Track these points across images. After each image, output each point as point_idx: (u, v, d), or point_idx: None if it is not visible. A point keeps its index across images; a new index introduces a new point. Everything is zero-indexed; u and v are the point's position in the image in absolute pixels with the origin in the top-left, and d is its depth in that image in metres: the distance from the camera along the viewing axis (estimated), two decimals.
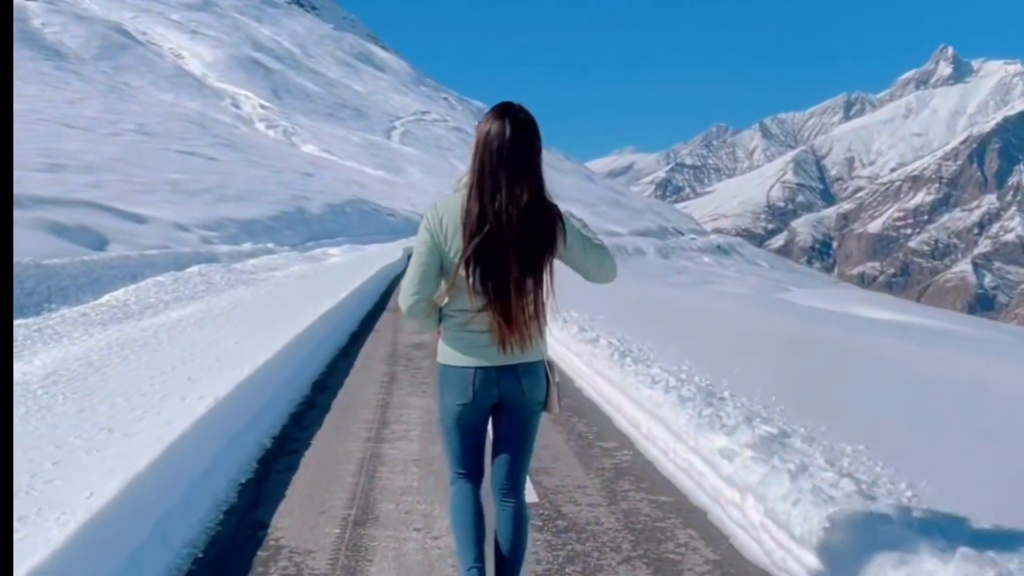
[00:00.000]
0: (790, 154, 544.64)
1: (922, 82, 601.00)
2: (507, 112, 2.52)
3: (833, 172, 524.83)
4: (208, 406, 4.52)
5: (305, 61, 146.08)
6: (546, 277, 2.56)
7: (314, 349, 7.90)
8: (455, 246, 2.48)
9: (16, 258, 10.27)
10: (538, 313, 2.57)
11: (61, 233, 14.35)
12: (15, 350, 6.82)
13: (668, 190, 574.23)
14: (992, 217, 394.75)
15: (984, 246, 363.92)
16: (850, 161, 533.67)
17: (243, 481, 4.29)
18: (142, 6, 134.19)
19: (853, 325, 14.28)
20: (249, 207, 29.18)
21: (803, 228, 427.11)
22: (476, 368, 2.56)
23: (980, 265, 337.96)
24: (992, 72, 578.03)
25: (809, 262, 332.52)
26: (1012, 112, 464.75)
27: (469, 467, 2.72)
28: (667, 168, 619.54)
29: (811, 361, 8.10)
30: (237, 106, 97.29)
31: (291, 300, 11.16)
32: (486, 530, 2.73)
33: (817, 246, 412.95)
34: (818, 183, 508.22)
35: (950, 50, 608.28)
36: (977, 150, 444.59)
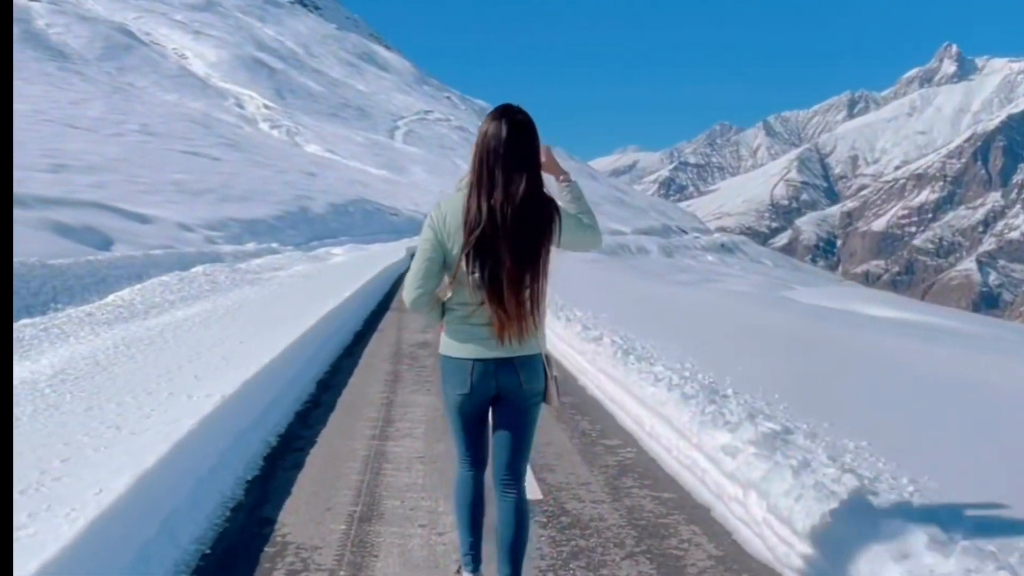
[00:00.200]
0: (794, 152, 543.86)
1: (926, 80, 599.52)
2: (505, 113, 2.62)
3: (837, 170, 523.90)
4: (215, 404, 4.55)
5: (308, 61, 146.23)
6: (543, 271, 2.64)
7: (318, 348, 7.94)
8: (457, 242, 2.59)
9: (22, 258, 10.32)
10: (535, 307, 2.64)
11: (66, 233, 14.41)
12: (22, 349, 6.86)
13: (672, 189, 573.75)
14: (997, 215, 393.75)
15: (989, 244, 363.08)
16: (854, 159, 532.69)
17: (249, 478, 4.32)
18: (145, 6, 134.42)
19: (856, 323, 14.28)
20: (253, 207, 29.25)
21: (807, 226, 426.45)
22: (474, 360, 2.67)
23: (985, 263, 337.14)
24: (996, 70, 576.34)
25: (813, 260, 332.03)
26: (1016, 110, 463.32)
27: (472, 455, 2.85)
28: (671, 167, 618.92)
29: (814, 359, 8.12)
30: (241, 106, 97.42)
31: (295, 300, 11.20)
32: (484, 516, 2.88)
33: (821, 244, 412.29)
34: (822, 181, 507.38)
35: (954, 48, 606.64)
36: (981, 148, 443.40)
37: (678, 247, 79.12)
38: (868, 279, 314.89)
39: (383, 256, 22.66)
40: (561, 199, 2.71)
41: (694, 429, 4.50)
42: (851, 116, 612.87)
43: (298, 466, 4.59)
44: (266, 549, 3.43)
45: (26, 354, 6.64)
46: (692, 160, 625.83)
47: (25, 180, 19.44)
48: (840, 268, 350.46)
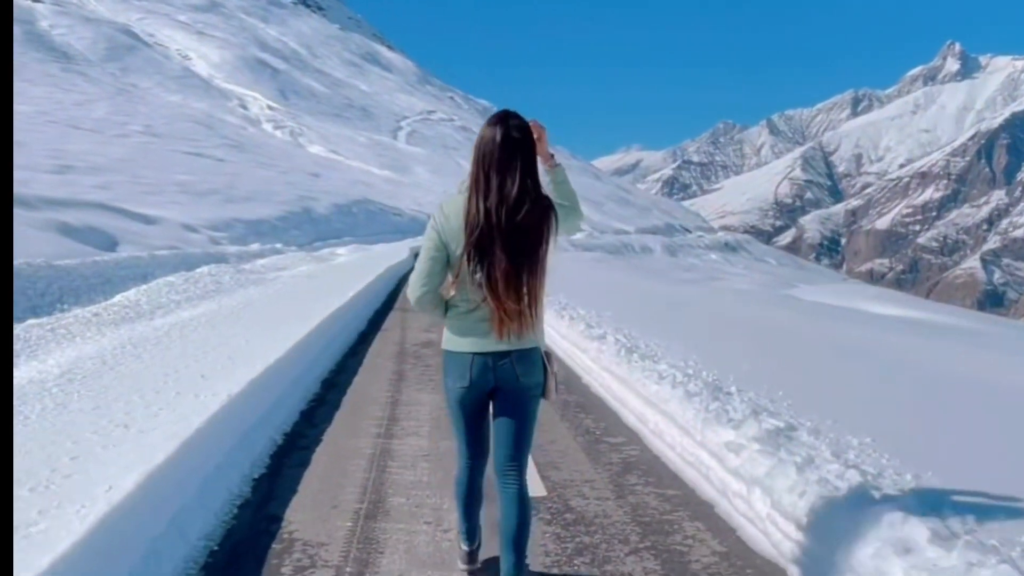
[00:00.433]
0: (798, 151, 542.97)
1: (930, 78, 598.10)
2: (502, 120, 2.74)
3: (841, 168, 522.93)
4: (221, 403, 4.58)
5: (311, 61, 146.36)
6: (541, 269, 2.75)
7: (323, 348, 7.96)
8: (459, 243, 2.71)
9: (28, 259, 10.37)
10: (532, 302, 2.74)
11: (71, 234, 14.47)
12: (30, 350, 6.90)
13: (675, 187, 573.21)
14: (1001, 213, 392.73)
15: (993, 242, 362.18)
16: (858, 157, 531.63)
17: (256, 476, 4.35)
18: (149, 8, 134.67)
19: (861, 321, 14.28)
20: (257, 208, 29.31)
21: (811, 225, 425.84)
22: (474, 354, 2.79)
23: (989, 261, 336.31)
24: (1000, 68, 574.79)
25: (817, 259, 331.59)
26: (1020, 108, 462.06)
27: (471, 447, 3.01)
28: (674, 165, 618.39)
29: (817, 356, 8.13)
30: (244, 107, 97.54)
31: (300, 300, 11.23)
32: (482, 505, 3.14)
33: (825, 243, 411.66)
34: (826, 180, 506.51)
35: (957, 46, 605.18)
36: (985, 146, 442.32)
37: (682, 246, 79.03)
38: (872, 277, 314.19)
39: (386, 256, 22.69)
40: (544, 182, 2.81)
41: (698, 426, 4.51)
42: (855, 114, 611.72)
43: (304, 464, 4.62)
44: (273, 545, 3.46)
45: (33, 354, 6.68)
46: (696, 159, 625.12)
47: (30, 181, 19.51)
48: (844, 266, 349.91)
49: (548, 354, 2.93)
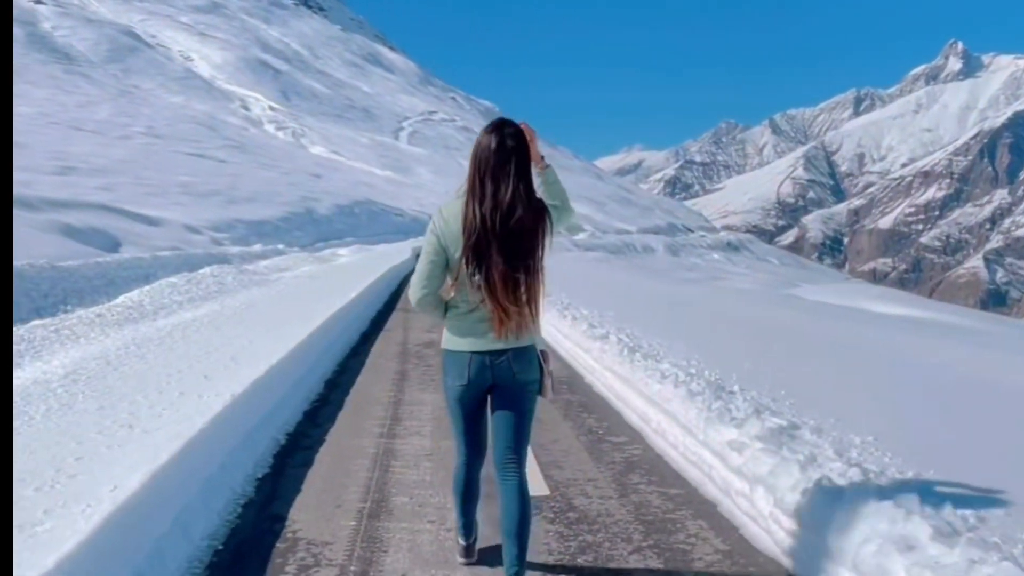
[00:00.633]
0: (800, 150, 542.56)
1: (932, 77, 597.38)
2: (496, 127, 2.86)
3: (843, 168, 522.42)
4: (225, 403, 4.59)
5: (313, 62, 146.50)
6: (537, 270, 2.84)
7: (326, 348, 7.98)
8: (458, 246, 2.81)
9: (31, 260, 10.39)
10: (530, 302, 2.84)
11: (74, 235, 14.50)
12: (34, 350, 6.92)
13: (677, 187, 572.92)
14: (1004, 212, 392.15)
15: (996, 241, 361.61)
16: (860, 157, 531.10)
17: (260, 476, 4.36)
18: (151, 9, 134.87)
19: (863, 320, 14.27)
20: (259, 209, 29.36)
21: (814, 224, 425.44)
22: (472, 352, 2.90)
23: (992, 260, 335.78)
24: (1003, 67, 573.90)
25: (820, 258, 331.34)
26: (1023, 107, 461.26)
27: (469, 444, 3.10)
28: (676, 165, 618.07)
29: (820, 355, 8.13)
30: (246, 108, 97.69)
31: (302, 300, 11.25)
32: (479, 500, 3.21)
33: (828, 242, 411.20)
34: (828, 179, 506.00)
35: (960, 45, 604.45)
36: (988, 145, 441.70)
37: (684, 246, 78.98)
38: (875, 277, 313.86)
39: (389, 256, 22.71)
40: (536, 183, 2.91)
41: (700, 425, 4.52)
42: (857, 114, 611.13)
43: (307, 463, 4.63)
44: (277, 545, 3.48)
45: (38, 355, 6.70)
46: (698, 159, 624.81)
47: (33, 183, 19.55)
48: (847, 266, 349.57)
49: (544, 353, 3.02)
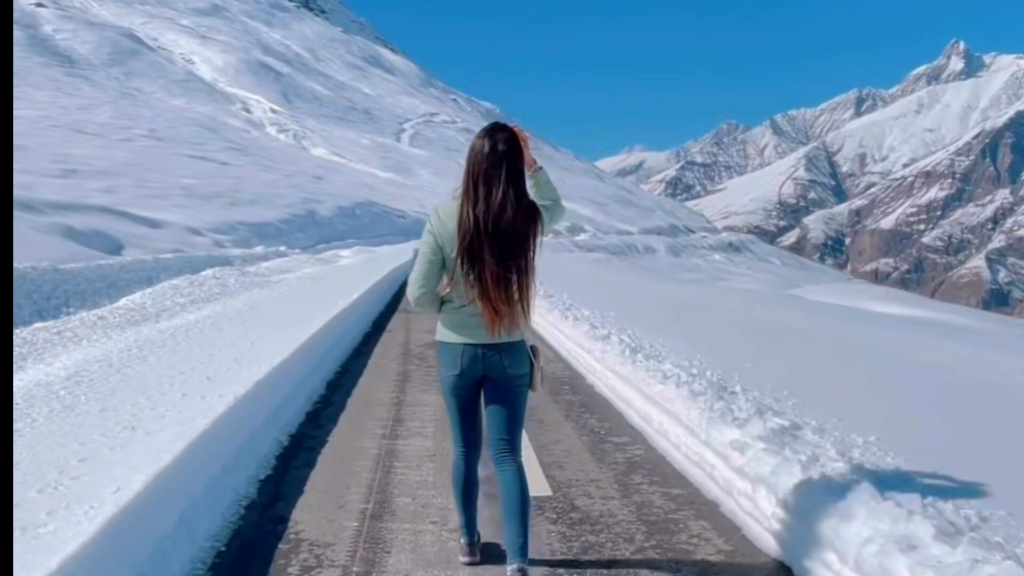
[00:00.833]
0: (801, 151, 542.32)
1: (933, 77, 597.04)
2: (489, 132, 2.98)
3: (845, 168, 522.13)
4: (227, 405, 4.60)
5: (315, 65, 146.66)
6: (527, 270, 2.96)
7: (328, 349, 7.99)
8: (454, 246, 2.93)
9: (33, 263, 10.40)
10: (521, 300, 2.96)
11: (76, 238, 14.52)
12: (36, 353, 6.93)
13: (678, 188, 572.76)
14: (1006, 212, 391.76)
15: (998, 241, 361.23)
16: (862, 157, 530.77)
17: (263, 477, 4.37)
18: (152, 12, 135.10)
19: (865, 320, 14.26)
20: (261, 211, 29.39)
21: (815, 225, 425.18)
22: (465, 345, 3.02)
23: (994, 260, 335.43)
24: (1004, 66, 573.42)
25: (822, 259, 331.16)
26: None
27: (465, 434, 3.19)
28: (677, 166, 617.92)
29: (822, 355, 8.12)
30: (248, 110, 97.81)
31: (304, 302, 11.26)
32: (479, 497, 3.28)
33: (830, 243, 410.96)
34: (830, 179, 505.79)
35: (961, 45, 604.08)
36: (990, 145, 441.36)
37: (685, 246, 78.98)
38: (877, 277, 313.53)
39: (390, 258, 22.72)
40: (528, 186, 3.03)
41: (703, 425, 4.52)
42: (858, 114, 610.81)
43: (310, 465, 4.64)
44: (280, 546, 3.48)
45: (40, 357, 6.71)
46: (699, 159, 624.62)
47: (35, 185, 19.58)
48: (849, 266, 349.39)
49: (534, 348, 3.14)
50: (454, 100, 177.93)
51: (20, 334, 7.74)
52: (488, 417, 3.13)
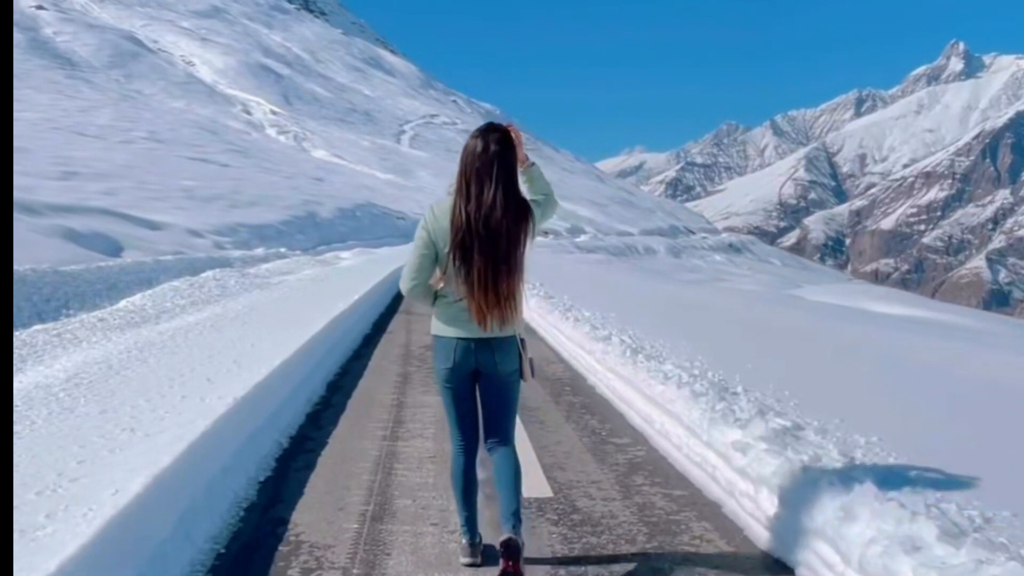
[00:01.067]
0: (801, 151, 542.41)
1: (933, 78, 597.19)
2: (483, 132, 3.06)
3: (845, 169, 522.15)
4: (227, 406, 4.58)
5: (315, 66, 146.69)
6: (517, 267, 3.03)
7: (328, 351, 7.97)
8: (447, 241, 3.02)
9: (34, 265, 10.39)
10: (511, 296, 3.03)
11: (77, 240, 14.50)
12: (36, 355, 6.91)
13: (679, 189, 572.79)
14: (1006, 212, 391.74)
15: (998, 241, 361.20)
16: (862, 158, 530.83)
17: (262, 479, 4.35)
18: (153, 14, 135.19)
19: (866, 320, 14.24)
20: (261, 212, 29.36)
21: (816, 225, 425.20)
22: (457, 338, 3.11)
23: (994, 261, 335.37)
24: (1004, 67, 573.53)
25: (822, 259, 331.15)
26: None
27: (462, 428, 3.26)
28: (677, 167, 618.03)
29: (824, 356, 8.11)
30: (248, 112, 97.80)
31: (305, 303, 11.25)
32: (478, 494, 3.31)
33: (830, 243, 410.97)
34: (830, 180, 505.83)
35: (961, 45, 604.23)
36: (990, 145, 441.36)
37: (686, 247, 78.94)
38: (877, 278, 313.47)
39: (391, 259, 22.70)
40: (521, 181, 3.11)
41: (704, 426, 4.50)
42: (858, 114, 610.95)
43: (310, 466, 4.62)
44: (280, 548, 3.46)
45: (40, 359, 6.69)
46: (699, 160, 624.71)
47: (35, 188, 19.57)
48: (849, 267, 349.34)
49: (523, 340, 3.21)
50: (454, 101, 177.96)
51: (19, 336, 7.73)
52: (481, 409, 3.24)
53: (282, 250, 23.54)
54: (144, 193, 25.93)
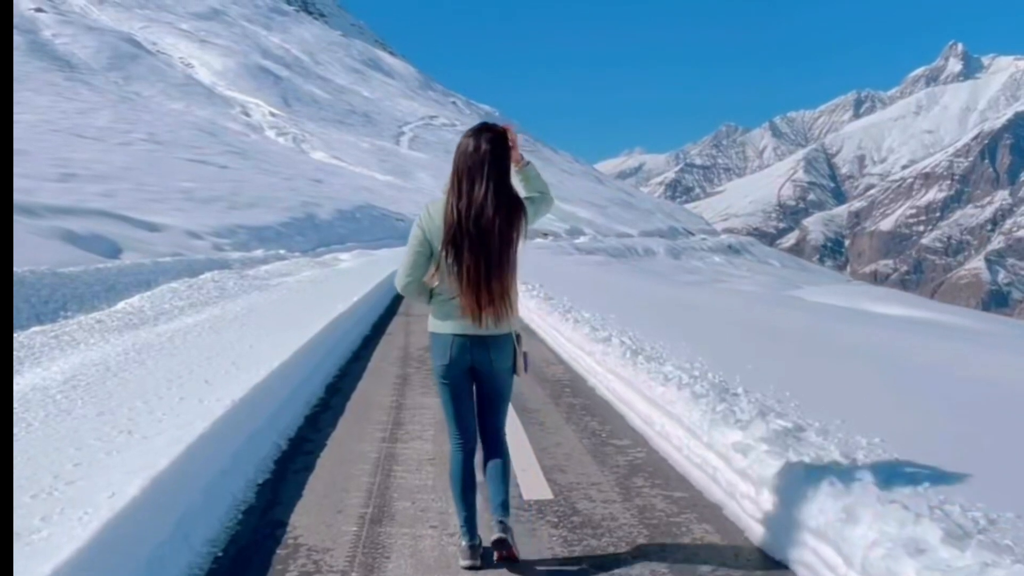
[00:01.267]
0: (800, 152, 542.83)
1: (932, 79, 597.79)
2: (476, 131, 3.12)
3: (844, 170, 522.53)
4: (225, 408, 4.56)
5: (314, 68, 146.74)
6: (509, 264, 3.07)
7: (327, 352, 7.94)
8: (440, 239, 3.06)
9: (32, 266, 10.37)
10: (504, 293, 3.08)
11: (75, 242, 14.49)
12: (34, 357, 6.89)
13: (678, 190, 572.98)
14: (1005, 213, 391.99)
15: (997, 242, 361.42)
16: (861, 159, 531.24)
17: (260, 481, 4.32)
18: (152, 16, 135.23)
19: (866, 321, 14.22)
20: (260, 214, 29.35)
21: (815, 226, 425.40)
22: (454, 335, 3.15)
23: (993, 261, 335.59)
24: (1002, 68, 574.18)
25: (821, 260, 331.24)
26: (1023, 108, 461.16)
27: (460, 424, 3.29)
28: (677, 168, 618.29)
29: (824, 356, 8.08)
30: (247, 114, 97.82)
31: (303, 305, 11.22)
32: (476, 493, 3.31)
33: (829, 244, 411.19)
34: (829, 181, 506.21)
35: (960, 46, 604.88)
36: (989, 146, 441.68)
37: (685, 249, 78.90)
38: (876, 279, 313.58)
39: (390, 261, 22.65)
40: (515, 180, 3.15)
41: (705, 428, 4.47)
42: (857, 116, 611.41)
43: (309, 469, 4.59)
44: (278, 551, 3.44)
45: (37, 361, 6.67)
46: (698, 162, 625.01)
47: (34, 189, 19.56)
48: (848, 268, 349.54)
49: (518, 336, 3.25)
50: (453, 103, 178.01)
51: (18, 338, 7.71)
52: (477, 405, 3.31)
53: (281, 252, 23.53)
54: (143, 195, 25.93)
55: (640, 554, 3.40)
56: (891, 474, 3.48)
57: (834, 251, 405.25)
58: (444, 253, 3.04)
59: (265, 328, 8.44)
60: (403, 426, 5.60)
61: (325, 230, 33.54)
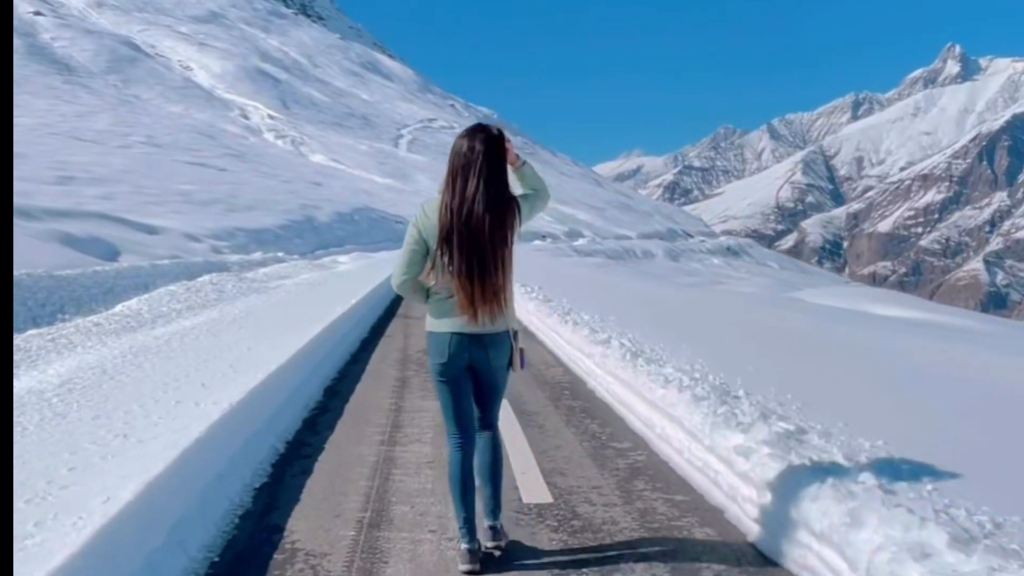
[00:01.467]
0: (799, 155, 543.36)
1: (930, 81, 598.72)
2: (471, 132, 3.16)
3: (842, 172, 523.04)
4: (222, 411, 4.52)
5: (312, 71, 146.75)
6: (503, 262, 3.09)
7: (326, 355, 7.90)
8: (435, 238, 3.09)
9: (29, 269, 10.32)
10: (499, 291, 3.10)
11: (73, 244, 14.44)
12: (30, 360, 6.85)
13: (676, 193, 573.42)
14: (1003, 214, 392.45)
15: (996, 244, 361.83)
16: (859, 161, 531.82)
17: (258, 485, 4.28)
18: (150, 19, 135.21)
19: (866, 322, 14.20)
20: (259, 217, 29.29)
21: (813, 228, 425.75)
22: (451, 333, 3.17)
23: (992, 263, 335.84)
24: (1000, 70, 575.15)
25: (820, 262, 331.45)
26: (1021, 109, 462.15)
27: (458, 422, 3.29)
28: (675, 171, 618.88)
29: (825, 358, 8.05)
30: (246, 117, 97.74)
31: (302, 307, 11.18)
32: (475, 495, 3.32)
33: (828, 246, 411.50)
34: (827, 183, 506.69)
35: (958, 48, 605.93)
36: (987, 148, 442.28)
37: (684, 251, 78.86)
38: (875, 280, 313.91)
39: (389, 264, 22.60)
40: (513, 180, 3.20)
41: (706, 430, 4.44)
42: (855, 118, 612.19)
43: (306, 472, 4.55)
44: (275, 556, 3.40)
45: (34, 364, 6.63)
46: (697, 164, 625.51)
47: (33, 192, 19.51)
48: (847, 270, 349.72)
49: (515, 333, 3.27)
50: (452, 106, 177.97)
51: (15, 340, 7.66)
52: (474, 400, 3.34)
53: (280, 254, 23.48)
54: (141, 197, 25.87)
55: (641, 558, 3.37)
56: (895, 477, 3.45)
57: (833, 253, 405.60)
58: (439, 251, 3.07)
59: (263, 331, 8.40)
60: (402, 429, 5.57)
61: (324, 233, 33.48)
